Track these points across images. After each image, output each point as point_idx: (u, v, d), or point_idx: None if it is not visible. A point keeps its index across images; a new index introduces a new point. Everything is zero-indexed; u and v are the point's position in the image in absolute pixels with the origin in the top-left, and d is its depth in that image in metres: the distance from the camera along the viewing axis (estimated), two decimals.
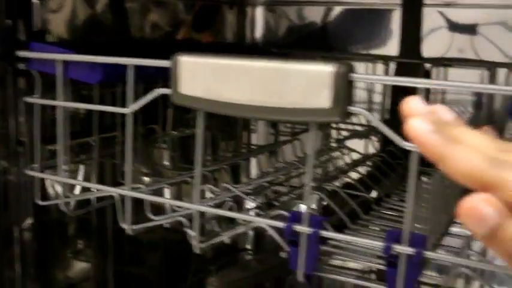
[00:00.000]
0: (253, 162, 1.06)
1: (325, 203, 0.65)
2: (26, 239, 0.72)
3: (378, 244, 0.46)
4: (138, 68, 0.55)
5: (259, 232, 1.16)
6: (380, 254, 0.47)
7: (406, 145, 0.43)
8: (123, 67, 0.55)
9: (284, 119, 0.44)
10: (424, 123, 0.31)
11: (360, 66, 1.01)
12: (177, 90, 0.50)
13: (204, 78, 0.48)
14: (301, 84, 0.44)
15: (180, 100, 0.50)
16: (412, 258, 0.45)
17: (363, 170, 0.82)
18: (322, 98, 0.43)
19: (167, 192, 0.73)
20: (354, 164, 0.82)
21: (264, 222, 0.51)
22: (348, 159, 0.89)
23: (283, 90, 0.45)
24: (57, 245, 0.82)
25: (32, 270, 0.74)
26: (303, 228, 0.48)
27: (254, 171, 1.08)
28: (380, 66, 0.94)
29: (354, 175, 0.76)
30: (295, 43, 1.09)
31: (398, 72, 0.92)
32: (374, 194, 0.75)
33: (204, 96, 0.48)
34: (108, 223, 0.87)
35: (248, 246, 1.16)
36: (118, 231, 0.88)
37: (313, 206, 0.93)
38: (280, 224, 0.49)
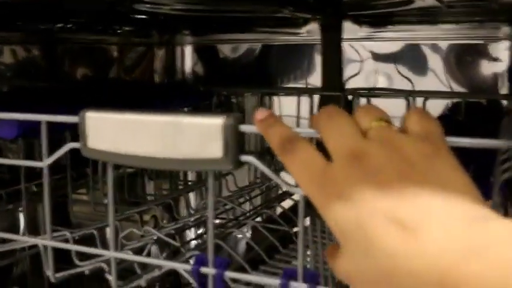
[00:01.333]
0: (191, 197, 1.09)
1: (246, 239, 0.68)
2: None
3: (276, 282, 0.49)
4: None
5: None
6: None
7: (294, 190, 0.47)
8: (38, 122, 0.57)
9: (182, 169, 0.47)
10: (261, 113, 0.43)
11: (287, 100, 1.05)
12: (86, 145, 0.52)
13: (109, 132, 0.51)
14: (195, 136, 0.47)
15: (89, 154, 0.52)
16: None
17: (289, 202, 0.85)
18: (214, 149, 0.46)
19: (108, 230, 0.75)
20: (281, 198, 0.85)
21: (174, 266, 0.54)
22: (277, 192, 0.92)
23: (179, 142, 0.47)
24: None
25: None
26: (208, 270, 0.51)
27: (194, 205, 1.11)
28: (305, 99, 0.99)
29: (278, 210, 0.79)
30: (225, 79, 1.13)
31: (322, 104, 0.97)
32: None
33: (109, 149, 0.51)
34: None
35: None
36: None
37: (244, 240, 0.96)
38: (188, 267, 0.52)
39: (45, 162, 0.57)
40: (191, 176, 1.11)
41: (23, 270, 0.87)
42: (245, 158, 0.47)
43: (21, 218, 0.84)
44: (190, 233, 1.02)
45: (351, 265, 0.35)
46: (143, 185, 1.05)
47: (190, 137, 0.47)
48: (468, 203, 0.32)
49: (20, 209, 0.81)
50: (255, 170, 1.00)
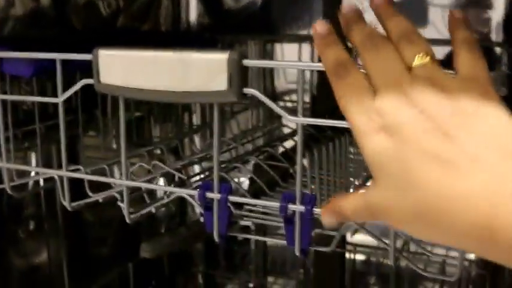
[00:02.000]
0: (197, 141, 1.13)
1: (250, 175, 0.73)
2: None
3: (276, 204, 0.53)
4: (68, 61, 0.61)
5: None
6: None
7: (291, 119, 0.51)
8: (55, 62, 0.61)
9: (189, 101, 0.51)
10: (322, 24, 0.43)
11: (289, 47, 1.08)
12: (99, 80, 0.56)
13: (121, 68, 0.55)
14: (202, 70, 0.51)
15: (102, 89, 0.56)
16: (304, 216, 0.52)
17: (290, 143, 0.89)
18: (220, 82, 0.50)
19: (116, 171, 0.79)
20: (281, 138, 0.89)
21: (181, 192, 0.59)
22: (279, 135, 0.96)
23: (187, 76, 0.51)
24: (11, 227, 0.88)
25: None
26: (212, 195, 0.55)
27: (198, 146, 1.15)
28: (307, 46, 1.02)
29: (279, 149, 0.84)
30: (229, 27, 1.16)
31: None
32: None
33: (121, 84, 0.55)
34: (57, 206, 0.93)
35: None
36: (69, 213, 0.95)
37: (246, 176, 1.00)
38: (194, 192, 0.56)
39: (60, 98, 0.61)
40: (196, 120, 1.15)
41: (38, 204, 0.91)
42: (248, 90, 0.51)
43: (34, 157, 0.88)
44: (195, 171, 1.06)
45: (386, 199, 0.36)
46: (149, 129, 1.09)
47: (197, 71, 0.51)
48: None
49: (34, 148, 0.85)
50: (258, 115, 1.04)
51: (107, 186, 0.66)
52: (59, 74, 0.60)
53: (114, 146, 0.99)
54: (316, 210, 0.52)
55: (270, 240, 0.57)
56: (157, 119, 1.03)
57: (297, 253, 0.54)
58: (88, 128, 0.91)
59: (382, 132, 0.35)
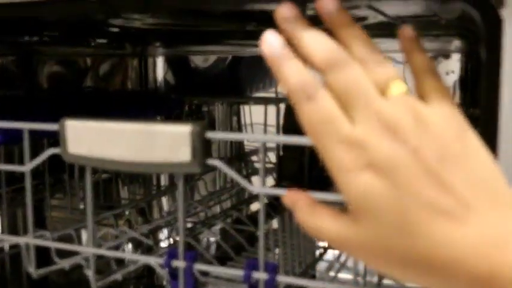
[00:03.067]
0: (164, 201, 1.14)
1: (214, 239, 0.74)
2: None
3: (240, 273, 0.54)
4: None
5: None
6: None
7: (254, 189, 0.52)
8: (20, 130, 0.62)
9: (154, 171, 0.52)
10: (273, 37, 0.37)
11: (255, 108, 1.11)
12: (66, 150, 0.57)
13: (88, 139, 0.56)
14: (165, 142, 0.52)
15: (69, 159, 0.57)
16: (267, 283, 0.53)
17: (257, 205, 0.90)
18: (183, 154, 0.52)
19: (84, 234, 0.80)
20: (248, 201, 0.91)
21: (148, 260, 0.59)
22: (246, 195, 0.98)
23: (151, 147, 0.53)
24: None
25: None
26: (178, 263, 0.56)
27: (166, 208, 1.16)
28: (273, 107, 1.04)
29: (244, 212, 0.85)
30: (194, 89, 1.18)
31: (288, 112, 1.02)
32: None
33: (88, 154, 0.56)
34: (22, 269, 0.92)
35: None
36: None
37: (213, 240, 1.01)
38: (160, 260, 0.57)
39: (27, 167, 0.62)
40: (163, 181, 1.16)
41: (3, 269, 0.91)
42: (211, 161, 0.52)
43: None
44: (163, 235, 1.06)
45: (369, 239, 0.34)
46: (117, 190, 1.09)
47: (161, 142, 0.52)
48: (504, 186, 0.33)
49: None
50: (225, 176, 1.06)
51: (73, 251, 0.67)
52: (26, 143, 0.61)
53: (81, 206, 1.00)
54: (280, 278, 0.53)
55: None
56: (125, 180, 1.04)
57: None
58: (55, 190, 0.91)
59: (371, 170, 0.33)
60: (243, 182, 0.53)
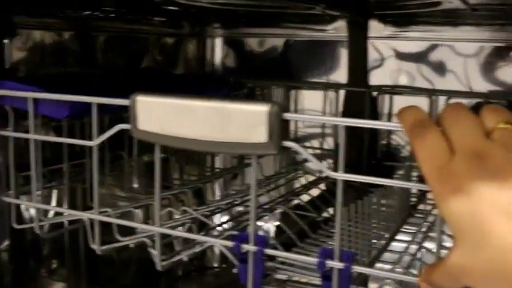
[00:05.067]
0: (217, 185, 1.13)
1: (277, 224, 0.72)
2: (4, 260, 0.77)
3: (313, 260, 0.52)
4: (103, 104, 0.61)
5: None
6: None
7: (333, 175, 0.50)
8: (89, 103, 0.61)
9: (227, 152, 0.51)
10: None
11: (310, 94, 1.09)
12: (136, 126, 0.56)
13: (159, 115, 0.54)
14: (241, 121, 0.50)
15: (138, 135, 0.56)
16: (342, 272, 0.51)
17: (316, 191, 0.88)
18: (259, 134, 0.50)
19: (139, 213, 0.79)
20: (307, 186, 0.88)
21: (216, 242, 0.58)
22: (304, 181, 0.96)
23: (225, 126, 0.51)
24: (33, 265, 0.87)
25: (8, 284, 0.79)
26: (249, 247, 0.54)
27: (218, 193, 1.15)
28: (332, 93, 1.02)
29: (305, 197, 0.83)
30: (253, 71, 1.17)
31: (347, 99, 1.00)
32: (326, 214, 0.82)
33: (158, 131, 0.55)
34: (80, 244, 0.92)
35: (215, 265, 1.23)
36: (90, 252, 0.94)
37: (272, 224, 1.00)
38: (229, 243, 0.55)
39: (94, 142, 0.61)
40: (218, 164, 1.14)
41: (62, 245, 0.91)
42: (288, 143, 0.50)
43: (54, 196, 0.87)
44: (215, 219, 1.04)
45: (465, 258, 0.37)
46: (170, 171, 1.08)
47: (236, 122, 0.51)
48: None
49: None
50: (280, 160, 1.04)
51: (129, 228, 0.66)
52: (94, 117, 0.60)
53: (135, 185, 0.99)
54: (355, 267, 0.51)
55: None
56: (180, 161, 1.03)
57: None
58: (111, 169, 0.91)
59: (457, 194, 0.37)
60: (321, 166, 0.51)
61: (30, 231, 0.81)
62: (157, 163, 0.58)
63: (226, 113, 0.51)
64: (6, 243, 0.77)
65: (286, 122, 0.50)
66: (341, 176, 0.50)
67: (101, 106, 0.61)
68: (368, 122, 0.51)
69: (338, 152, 0.99)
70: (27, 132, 0.66)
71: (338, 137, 1.01)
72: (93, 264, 0.96)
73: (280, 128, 0.50)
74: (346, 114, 1.00)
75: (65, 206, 0.78)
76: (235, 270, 0.57)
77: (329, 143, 1.09)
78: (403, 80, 1.03)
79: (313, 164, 0.52)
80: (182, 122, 0.53)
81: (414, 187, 0.53)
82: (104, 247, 0.64)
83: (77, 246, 0.92)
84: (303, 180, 0.98)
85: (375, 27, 1.02)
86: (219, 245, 0.58)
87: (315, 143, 1.10)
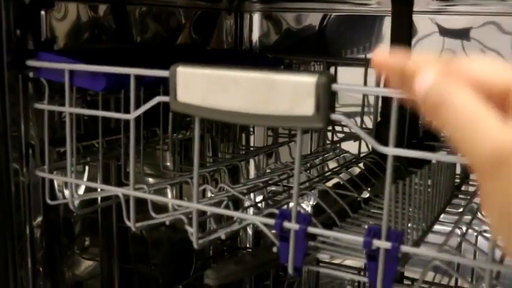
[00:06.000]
0: (252, 163, 1.10)
1: (316, 202, 0.70)
2: (36, 236, 0.76)
3: (359, 239, 0.50)
4: (141, 76, 0.59)
5: (258, 232, 1.21)
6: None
7: (383, 150, 0.48)
8: (126, 76, 0.59)
9: (271, 125, 0.48)
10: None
11: (353, 71, 1.05)
12: (175, 98, 0.54)
13: (199, 87, 0.52)
14: (287, 93, 0.48)
15: (178, 107, 0.54)
16: (389, 252, 0.49)
17: (354, 170, 0.86)
18: (306, 106, 0.47)
19: (169, 191, 0.77)
20: (346, 165, 0.86)
21: (256, 220, 0.56)
22: (341, 161, 0.93)
23: (270, 98, 0.49)
24: (65, 242, 0.86)
25: (41, 267, 0.78)
26: (291, 225, 0.52)
27: (252, 172, 1.13)
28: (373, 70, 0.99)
29: (345, 176, 0.80)
30: (290, 48, 1.14)
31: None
32: (366, 194, 0.79)
33: (199, 104, 0.52)
34: (113, 222, 0.91)
35: (248, 245, 1.21)
36: (123, 230, 0.93)
37: (308, 204, 0.98)
38: (270, 221, 0.53)
39: (132, 115, 0.59)
40: (252, 143, 1.12)
41: (95, 222, 0.90)
42: (336, 116, 0.48)
43: (86, 171, 0.86)
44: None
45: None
46: (205, 150, 1.06)
47: (282, 93, 0.48)
48: None
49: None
50: (318, 139, 1.01)
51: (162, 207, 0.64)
52: (132, 90, 0.58)
53: (168, 163, 0.97)
54: (404, 247, 0.49)
55: (346, 276, 0.54)
56: (215, 138, 1.01)
57: None
58: (144, 146, 0.89)
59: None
60: (371, 141, 0.48)
61: (63, 209, 0.81)
62: (197, 137, 0.56)
63: (272, 84, 0.49)
64: (39, 219, 0.76)
65: (334, 94, 0.48)
66: (391, 150, 0.47)
67: (138, 78, 0.59)
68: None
69: (379, 130, 0.96)
70: (62, 105, 0.65)
71: (379, 114, 0.98)
72: (124, 243, 0.95)
73: (328, 100, 0.47)
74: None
75: (99, 182, 0.77)
76: (275, 249, 0.55)
77: (366, 123, 1.06)
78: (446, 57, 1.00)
79: (364, 138, 0.48)
80: (224, 94, 0.51)
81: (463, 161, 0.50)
82: (139, 224, 0.62)
83: (109, 224, 0.91)
84: (340, 161, 0.95)
85: (420, 1, 0.99)
86: (259, 223, 0.56)
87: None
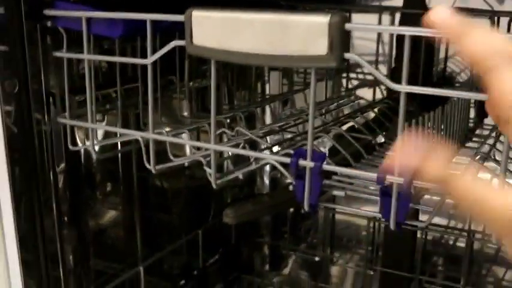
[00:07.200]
0: (268, 111, 1.12)
1: (331, 145, 0.71)
2: (60, 186, 0.78)
3: (372, 175, 0.51)
4: (157, 22, 0.60)
5: (274, 180, 1.23)
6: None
7: (396, 87, 0.49)
8: (143, 22, 0.60)
9: (286, 65, 0.49)
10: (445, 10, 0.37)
11: (366, 18, 1.05)
12: (191, 42, 0.55)
13: (215, 30, 0.53)
14: (301, 33, 0.49)
15: (194, 51, 0.55)
16: (402, 188, 0.50)
17: (369, 116, 0.87)
18: (320, 46, 0.48)
19: (187, 137, 0.79)
20: (360, 110, 0.87)
21: (272, 159, 0.57)
22: (356, 107, 0.94)
23: (284, 39, 0.50)
24: (88, 193, 0.88)
25: (66, 217, 0.80)
26: (306, 163, 0.53)
27: (268, 119, 1.14)
28: (386, 17, 0.99)
29: (360, 120, 0.81)
30: None
31: (403, 22, 0.96)
32: (381, 139, 0.80)
33: (215, 46, 0.54)
34: (133, 171, 0.93)
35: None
36: (143, 180, 0.95)
37: (323, 150, 0.99)
38: (286, 160, 0.55)
39: (149, 59, 0.60)
40: (268, 91, 1.13)
41: (116, 167, 0.92)
42: (349, 55, 0.49)
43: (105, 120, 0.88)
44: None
45: None
46: (220, 97, 1.08)
47: (295, 34, 0.49)
48: None
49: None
50: (333, 86, 1.02)
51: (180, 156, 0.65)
52: (149, 34, 0.60)
53: (185, 112, 0.99)
54: (416, 183, 0.50)
55: (356, 212, 0.55)
56: (231, 86, 1.02)
57: (392, 227, 0.52)
58: (162, 93, 0.90)
59: None
60: (384, 79, 0.49)
61: (84, 157, 0.83)
62: (213, 81, 0.57)
63: (285, 25, 0.50)
64: (62, 165, 0.78)
65: (347, 34, 0.49)
66: (404, 88, 0.48)
67: (154, 24, 0.60)
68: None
69: (393, 76, 0.97)
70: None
71: (393, 61, 0.98)
72: (145, 192, 0.98)
73: (341, 40, 0.48)
74: (401, 39, 0.97)
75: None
76: (291, 188, 0.57)
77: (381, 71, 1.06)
78: (462, 2, 0.99)
79: (378, 77, 0.49)
80: (239, 36, 0.52)
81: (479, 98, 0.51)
82: (159, 166, 0.64)
83: (129, 173, 0.93)
84: (355, 108, 0.96)
85: None
86: (275, 162, 0.57)
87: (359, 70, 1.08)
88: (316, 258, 1.24)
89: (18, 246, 0.73)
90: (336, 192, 0.56)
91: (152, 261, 0.94)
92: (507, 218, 0.32)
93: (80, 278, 0.82)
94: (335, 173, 0.59)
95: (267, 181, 1.25)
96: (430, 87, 0.48)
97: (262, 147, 0.73)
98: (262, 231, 1.25)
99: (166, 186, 1.05)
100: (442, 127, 0.70)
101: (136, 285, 0.92)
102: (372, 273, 1.16)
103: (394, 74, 0.95)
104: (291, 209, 1.26)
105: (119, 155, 0.90)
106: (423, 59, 0.95)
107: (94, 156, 0.71)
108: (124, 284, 0.94)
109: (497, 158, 0.69)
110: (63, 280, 0.79)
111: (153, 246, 0.99)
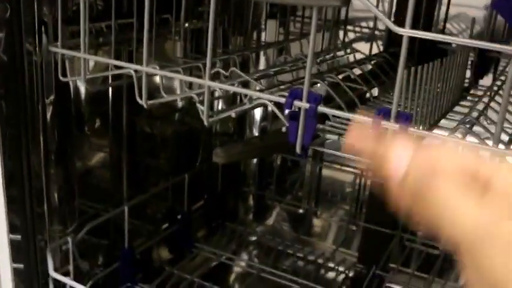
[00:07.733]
0: (262, 60, 1.10)
1: (325, 93, 0.70)
2: (48, 117, 0.76)
3: (368, 120, 0.50)
4: None
5: (264, 130, 1.22)
6: None
7: (399, 30, 0.48)
8: None
9: (291, 3, 0.48)
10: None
11: None
12: None
13: None
14: None
15: None
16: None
17: (365, 68, 0.86)
18: None
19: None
20: (357, 62, 0.86)
21: (266, 98, 0.56)
22: (352, 59, 0.93)
23: None
24: (75, 128, 0.86)
25: (53, 156, 0.78)
26: (301, 104, 0.53)
27: (263, 66, 1.12)
28: None
29: (356, 71, 0.80)
30: None
31: None
32: (376, 92, 0.80)
33: None
34: (123, 113, 0.91)
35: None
36: (132, 123, 0.94)
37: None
38: (281, 99, 0.54)
39: None
40: (263, 39, 1.11)
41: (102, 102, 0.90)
42: None
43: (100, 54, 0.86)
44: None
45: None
46: (217, 43, 1.06)
47: None
48: None
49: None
50: (330, 38, 1.01)
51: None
52: None
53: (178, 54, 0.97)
54: (412, 130, 0.49)
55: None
56: (226, 31, 1.00)
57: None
58: (158, 33, 0.88)
59: None
60: (387, 21, 0.48)
61: (74, 91, 0.81)
62: (212, 14, 0.56)
63: None
64: (52, 97, 0.76)
65: None
66: (406, 31, 0.47)
67: None
68: None
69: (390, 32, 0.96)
70: None
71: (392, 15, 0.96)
72: (133, 135, 0.96)
73: None
74: None
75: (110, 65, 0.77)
76: (284, 129, 0.56)
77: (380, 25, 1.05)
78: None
79: (380, 17, 0.48)
80: None
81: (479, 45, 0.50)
82: (151, 101, 0.63)
83: (119, 114, 0.92)
84: (351, 60, 0.95)
85: None
86: (268, 102, 0.56)
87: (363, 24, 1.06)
88: (300, 211, 1.24)
89: (4, 181, 0.72)
90: (328, 136, 0.56)
91: (137, 202, 0.94)
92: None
93: (64, 215, 0.82)
94: (328, 119, 0.58)
95: (256, 133, 1.24)
96: (430, 33, 0.47)
97: (257, 89, 0.72)
98: (248, 181, 1.25)
99: (155, 130, 1.04)
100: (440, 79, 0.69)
101: (120, 226, 0.91)
102: (354, 228, 1.16)
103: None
104: (278, 162, 1.26)
105: (110, 92, 0.88)
106: (423, 18, 0.94)
107: (83, 88, 0.70)
108: (108, 223, 0.94)
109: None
110: (47, 217, 0.78)
111: (138, 188, 0.99)
